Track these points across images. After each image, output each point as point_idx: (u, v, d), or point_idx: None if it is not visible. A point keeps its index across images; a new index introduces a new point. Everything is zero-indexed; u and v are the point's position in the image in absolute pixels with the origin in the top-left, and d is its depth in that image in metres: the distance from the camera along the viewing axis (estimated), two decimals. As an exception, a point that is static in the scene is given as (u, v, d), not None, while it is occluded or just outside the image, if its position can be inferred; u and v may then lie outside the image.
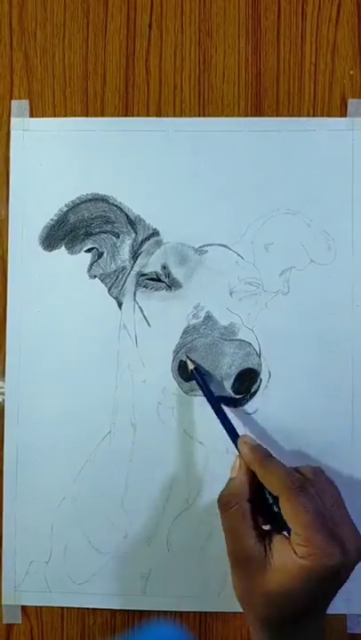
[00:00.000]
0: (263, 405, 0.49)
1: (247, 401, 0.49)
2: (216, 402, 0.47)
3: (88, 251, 0.51)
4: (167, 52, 0.52)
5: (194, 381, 0.48)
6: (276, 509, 0.41)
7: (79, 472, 0.50)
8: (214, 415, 0.47)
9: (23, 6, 0.52)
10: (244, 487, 0.43)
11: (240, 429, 0.48)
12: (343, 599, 0.48)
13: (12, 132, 0.51)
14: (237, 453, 0.45)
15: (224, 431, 0.46)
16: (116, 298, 0.50)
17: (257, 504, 0.43)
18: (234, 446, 0.45)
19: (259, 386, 0.49)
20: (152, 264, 0.50)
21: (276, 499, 0.42)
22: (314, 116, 0.51)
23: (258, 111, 0.51)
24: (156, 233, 0.50)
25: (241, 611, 0.49)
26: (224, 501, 0.43)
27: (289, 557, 0.39)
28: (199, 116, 0.51)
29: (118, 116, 0.51)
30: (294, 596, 0.40)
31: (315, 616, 0.42)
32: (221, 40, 0.51)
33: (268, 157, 0.50)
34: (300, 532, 0.39)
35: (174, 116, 0.51)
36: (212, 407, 0.46)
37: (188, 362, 0.48)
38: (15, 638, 0.50)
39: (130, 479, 0.50)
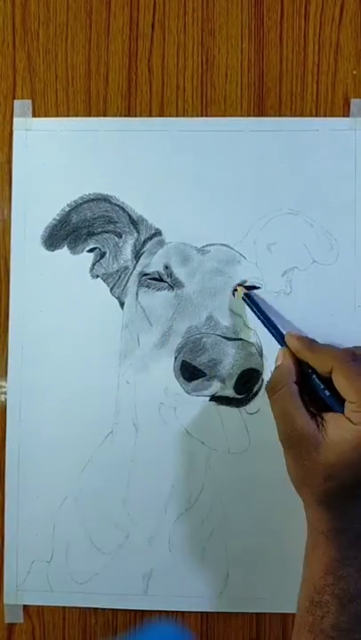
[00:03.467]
0: (265, 406, 0.49)
1: (249, 401, 0.49)
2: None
3: (90, 250, 0.51)
4: (170, 52, 0.52)
5: (195, 381, 0.48)
6: (327, 393, 0.43)
7: (81, 472, 0.50)
8: (216, 415, 0.47)
9: (26, 6, 0.52)
10: (290, 370, 0.45)
11: (241, 429, 0.48)
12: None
13: (15, 132, 0.52)
14: (281, 347, 0.46)
15: (226, 431, 0.46)
16: (118, 298, 0.50)
17: (306, 391, 0.44)
18: (279, 344, 0.46)
19: (261, 386, 0.49)
20: (154, 264, 0.50)
21: (326, 382, 0.43)
22: (317, 116, 0.51)
23: (260, 111, 0.51)
24: (158, 233, 0.50)
25: (243, 611, 0.49)
26: (272, 386, 0.45)
27: (345, 427, 0.41)
28: (202, 116, 0.51)
29: (121, 116, 0.51)
30: (354, 465, 0.40)
31: None
32: (224, 40, 0.51)
33: (270, 157, 0.50)
34: (354, 399, 0.41)
35: (177, 116, 0.51)
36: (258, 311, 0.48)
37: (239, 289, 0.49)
38: (17, 638, 0.50)
39: (132, 479, 0.50)
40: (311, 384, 0.44)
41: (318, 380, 0.44)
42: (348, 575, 0.41)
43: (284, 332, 0.47)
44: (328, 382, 0.43)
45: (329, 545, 0.41)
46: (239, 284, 0.49)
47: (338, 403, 0.42)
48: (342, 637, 0.40)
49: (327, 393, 0.43)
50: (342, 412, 0.42)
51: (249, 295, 0.48)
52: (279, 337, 0.47)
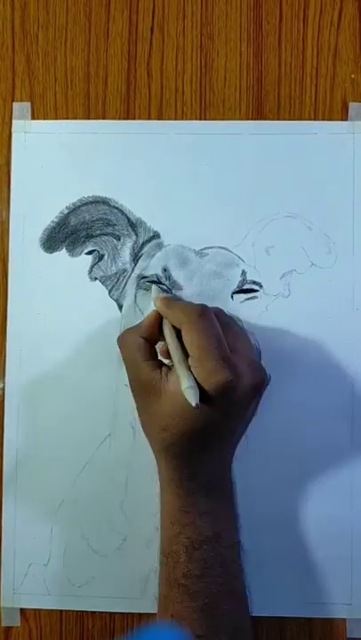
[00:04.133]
0: (264, 408, 0.49)
1: (247, 404, 0.49)
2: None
3: (89, 253, 0.51)
4: (169, 56, 0.52)
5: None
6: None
7: (79, 474, 0.50)
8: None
9: (25, 9, 0.52)
10: (140, 326, 0.46)
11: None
12: (343, 603, 0.48)
13: (14, 135, 0.52)
14: None
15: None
16: (116, 300, 0.50)
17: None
18: None
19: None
20: (153, 267, 0.50)
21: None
22: (315, 119, 0.51)
23: (259, 114, 0.51)
24: (156, 235, 0.50)
25: (240, 614, 0.48)
26: (120, 337, 0.46)
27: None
28: (200, 119, 0.51)
29: (120, 118, 0.52)
30: (188, 417, 0.41)
31: (218, 449, 0.44)
32: (223, 44, 0.52)
33: (269, 160, 0.50)
34: (194, 354, 0.41)
35: (176, 119, 0.51)
36: None
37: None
38: (14, 641, 0.50)
39: (129, 482, 0.49)
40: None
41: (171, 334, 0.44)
42: (191, 522, 0.43)
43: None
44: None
45: (172, 494, 0.44)
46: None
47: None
48: (193, 584, 0.42)
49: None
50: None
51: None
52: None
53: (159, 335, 0.45)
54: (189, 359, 0.41)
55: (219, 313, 0.46)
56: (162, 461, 0.44)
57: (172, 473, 0.44)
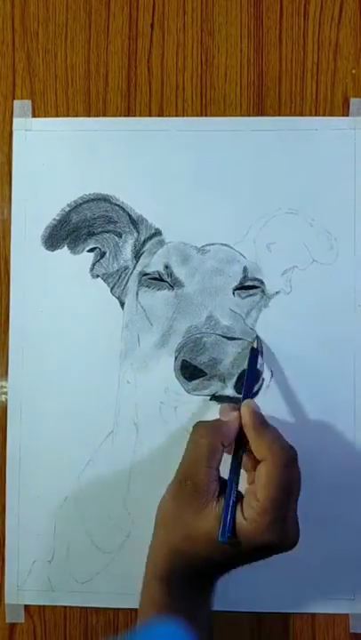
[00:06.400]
0: (265, 405, 0.49)
1: (249, 400, 0.49)
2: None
3: (90, 250, 0.51)
4: (169, 52, 0.52)
5: (196, 381, 0.48)
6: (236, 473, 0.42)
7: (82, 471, 0.50)
8: (216, 414, 0.47)
9: (25, 6, 0.52)
10: (228, 432, 0.43)
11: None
12: (347, 599, 0.48)
13: (15, 132, 0.52)
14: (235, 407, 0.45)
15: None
16: (118, 297, 0.51)
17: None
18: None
19: (261, 385, 0.49)
20: (154, 264, 0.50)
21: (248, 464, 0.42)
22: (316, 115, 0.51)
23: (260, 111, 0.51)
24: (158, 232, 0.50)
25: (243, 610, 0.49)
26: (205, 429, 0.43)
27: (236, 512, 0.40)
28: (201, 115, 0.51)
29: (120, 116, 0.52)
30: (222, 549, 0.40)
31: (213, 585, 0.43)
32: (223, 40, 0.51)
33: (270, 157, 0.50)
34: (261, 500, 0.40)
35: (176, 115, 0.51)
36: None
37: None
38: (18, 637, 0.50)
39: (132, 479, 0.50)
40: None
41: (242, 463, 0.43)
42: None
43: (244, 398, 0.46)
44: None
45: (155, 605, 0.42)
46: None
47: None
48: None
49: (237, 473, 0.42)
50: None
51: (257, 351, 0.48)
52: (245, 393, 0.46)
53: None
54: (251, 496, 0.40)
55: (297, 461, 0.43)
56: (158, 583, 0.43)
57: (164, 597, 0.43)
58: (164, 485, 0.49)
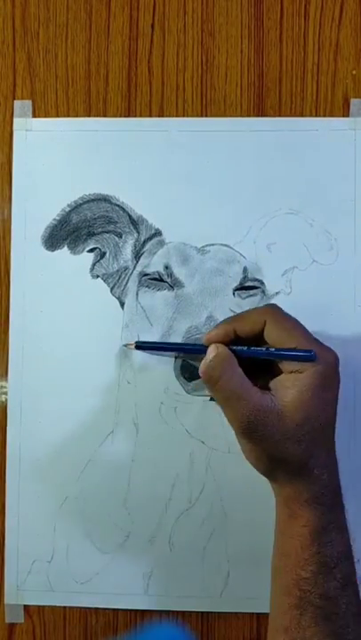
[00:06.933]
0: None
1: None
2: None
3: (90, 251, 0.51)
4: (170, 53, 0.52)
5: (196, 381, 0.48)
6: (278, 350, 0.41)
7: (82, 471, 0.50)
8: (216, 415, 0.47)
9: (26, 7, 0.52)
10: (228, 354, 0.42)
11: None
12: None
13: (15, 133, 0.52)
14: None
15: (226, 431, 0.46)
16: (118, 298, 0.51)
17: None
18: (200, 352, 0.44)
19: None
20: (154, 264, 0.50)
21: (258, 342, 0.42)
22: (316, 116, 0.51)
23: (260, 111, 0.51)
24: (158, 233, 0.50)
25: (243, 611, 0.49)
26: (212, 374, 0.41)
27: (298, 379, 0.40)
28: (201, 116, 0.51)
29: (121, 116, 0.52)
30: (317, 409, 0.40)
31: (333, 445, 0.42)
32: (224, 40, 0.51)
33: (270, 157, 0.50)
34: (294, 345, 0.40)
35: (177, 116, 0.51)
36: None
37: (128, 346, 0.48)
38: (17, 638, 0.50)
39: (132, 479, 0.50)
40: (247, 356, 0.42)
41: (253, 346, 0.42)
42: (331, 540, 0.40)
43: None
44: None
45: (311, 513, 0.40)
46: (125, 344, 0.49)
47: (283, 354, 0.41)
48: (331, 605, 0.39)
49: (277, 349, 0.41)
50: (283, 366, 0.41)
51: (143, 342, 0.48)
52: (196, 347, 0.45)
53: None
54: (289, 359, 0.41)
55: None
56: (299, 482, 0.41)
57: (313, 488, 0.40)
58: (164, 485, 0.49)
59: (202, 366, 0.42)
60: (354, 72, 0.51)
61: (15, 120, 0.52)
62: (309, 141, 0.50)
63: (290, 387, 0.40)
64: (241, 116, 0.51)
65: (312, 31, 0.51)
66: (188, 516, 0.49)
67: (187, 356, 0.49)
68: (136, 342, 0.47)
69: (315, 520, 0.40)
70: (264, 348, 0.42)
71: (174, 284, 0.50)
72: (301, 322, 0.49)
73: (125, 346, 0.49)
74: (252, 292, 0.50)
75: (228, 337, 0.43)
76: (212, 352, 0.42)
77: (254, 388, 0.41)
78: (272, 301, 0.50)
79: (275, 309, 0.43)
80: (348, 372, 0.49)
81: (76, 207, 0.51)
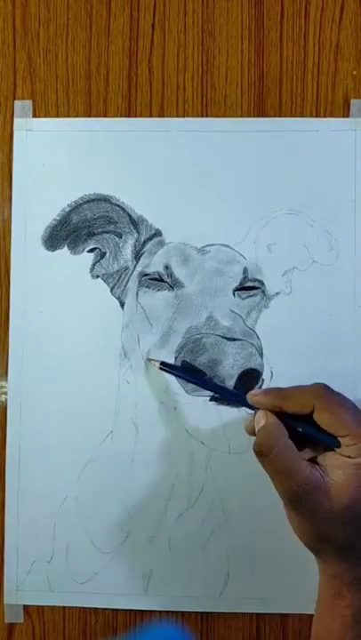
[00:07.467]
0: (265, 405, 0.49)
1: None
2: (207, 384, 0.47)
3: (90, 251, 0.51)
4: (170, 53, 0.52)
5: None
6: (322, 435, 0.41)
7: (81, 471, 0.50)
8: (216, 415, 0.47)
9: (26, 7, 0.52)
10: (278, 426, 0.42)
11: (241, 429, 0.48)
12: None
13: (15, 133, 0.52)
14: (253, 412, 0.44)
15: (226, 431, 0.46)
16: (118, 298, 0.51)
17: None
18: (246, 410, 0.45)
19: (261, 386, 0.49)
20: (154, 264, 0.50)
21: (309, 423, 0.41)
22: (316, 116, 0.51)
23: (260, 112, 0.51)
24: (158, 233, 0.50)
25: (243, 611, 0.49)
26: (262, 448, 0.42)
27: (346, 464, 0.39)
28: (202, 116, 0.51)
29: (121, 116, 0.52)
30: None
31: None
32: (224, 41, 0.51)
33: (270, 158, 0.50)
34: (346, 433, 0.39)
35: (177, 116, 0.51)
36: (208, 388, 0.47)
37: (153, 362, 0.48)
38: (17, 638, 0.50)
39: (132, 479, 0.50)
40: (296, 432, 0.42)
41: (305, 424, 0.42)
42: None
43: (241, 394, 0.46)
44: (307, 424, 0.42)
45: (355, 595, 0.40)
46: (151, 359, 0.49)
47: (332, 440, 0.41)
48: None
49: (323, 435, 0.41)
50: (337, 448, 0.41)
51: (168, 365, 0.48)
52: (239, 400, 0.46)
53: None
54: (340, 440, 0.40)
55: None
56: (342, 563, 0.40)
57: (357, 570, 0.40)
58: (164, 485, 0.49)
59: (256, 439, 0.42)
60: (354, 72, 0.51)
61: (15, 120, 0.52)
62: (310, 142, 0.50)
63: (339, 467, 0.40)
64: (241, 116, 0.51)
65: (312, 32, 0.51)
66: (187, 516, 0.49)
67: (187, 356, 0.48)
68: (161, 362, 0.48)
69: (358, 603, 0.39)
70: (312, 427, 0.42)
71: (174, 285, 0.50)
72: (301, 322, 0.49)
73: (149, 360, 0.49)
74: (252, 292, 0.50)
75: (273, 409, 0.43)
76: (262, 420, 0.42)
77: (304, 462, 0.41)
78: (272, 302, 0.50)
79: (324, 392, 0.41)
80: (347, 372, 0.49)
81: (76, 207, 0.51)
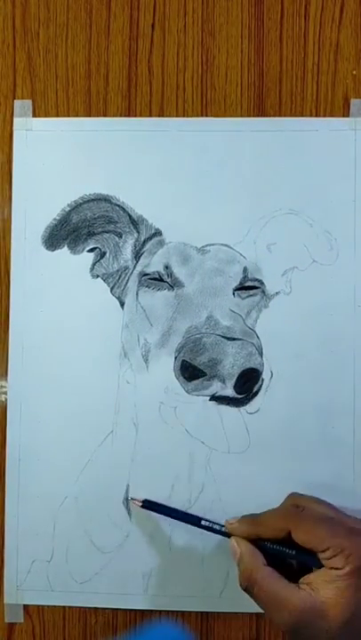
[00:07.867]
0: (265, 405, 0.49)
1: (249, 401, 0.49)
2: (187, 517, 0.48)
3: (90, 250, 0.51)
4: (170, 53, 0.52)
5: (195, 381, 0.48)
6: (303, 556, 0.41)
7: (81, 471, 0.50)
8: (216, 415, 0.47)
9: (26, 6, 0.52)
10: (255, 554, 0.42)
11: (241, 429, 0.48)
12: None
13: (15, 132, 0.52)
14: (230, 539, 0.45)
15: (225, 431, 0.46)
16: (118, 298, 0.51)
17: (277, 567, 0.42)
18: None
19: (261, 386, 0.49)
20: (154, 264, 0.50)
21: (289, 547, 0.41)
22: (316, 116, 0.51)
23: (260, 111, 0.51)
24: (158, 233, 0.50)
25: (243, 611, 0.49)
26: (246, 582, 0.42)
27: (333, 578, 0.39)
28: (202, 116, 0.51)
29: (121, 116, 0.52)
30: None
31: None
32: (224, 40, 0.51)
33: (270, 157, 0.50)
34: (325, 547, 0.39)
35: (177, 116, 0.51)
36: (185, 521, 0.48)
37: (134, 502, 0.48)
38: (17, 637, 0.50)
39: (132, 479, 0.50)
40: (275, 556, 0.42)
41: (281, 547, 0.42)
42: None
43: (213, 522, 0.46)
44: (284, 545, 0.42)
45: None
46: (132, 498, 0.49)
47: (313, 559, 0.40)
48: None
49: (303, 556, 0.41)
50: (319, 566, 0.40)
51: (151, 503, 0.48)
52: (219, 531, 0.46)
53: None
54: (320, 555, 0.40)
55: (299, 494, 0.44)
56: None
57: None
58: (164, 485, 0.49)
59: (240, 574, 0.42)
60: (354, 72, 0.51)
61: (15, 120, 0.52)
62: (309, 141, 0.50)
63: (329, 582, 0.39)
64: (241, 115, 0.51)
65: (312, 31, 0.51)
66: (187, 515, 0.49)
67: (187, 356, 0.48)
68: (143, 501, 0.48)
69: None
70: (293, 551, 0.42)
71: (174, 284, 0.50)
72: (301, 322, 0.49)
73: (131, 499, 0.49)
74: (252, 292, 0.50)
75: (250, 537, 0.43)
76: (236, 551, 0.43)
77: (291, 586, 0.40)
78: (272, 302, 0.50)
79: (294, 512, 0.41)
80: (347, 372, 0.49)
81: (76, 207, 0.51)
